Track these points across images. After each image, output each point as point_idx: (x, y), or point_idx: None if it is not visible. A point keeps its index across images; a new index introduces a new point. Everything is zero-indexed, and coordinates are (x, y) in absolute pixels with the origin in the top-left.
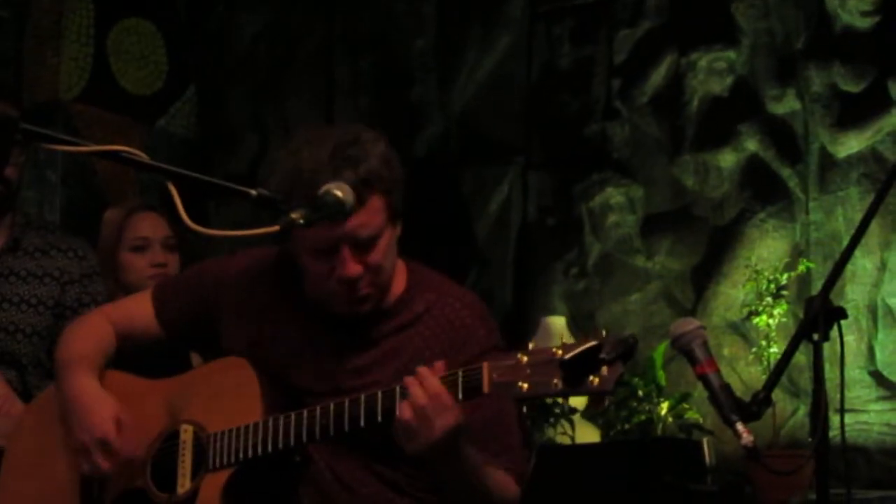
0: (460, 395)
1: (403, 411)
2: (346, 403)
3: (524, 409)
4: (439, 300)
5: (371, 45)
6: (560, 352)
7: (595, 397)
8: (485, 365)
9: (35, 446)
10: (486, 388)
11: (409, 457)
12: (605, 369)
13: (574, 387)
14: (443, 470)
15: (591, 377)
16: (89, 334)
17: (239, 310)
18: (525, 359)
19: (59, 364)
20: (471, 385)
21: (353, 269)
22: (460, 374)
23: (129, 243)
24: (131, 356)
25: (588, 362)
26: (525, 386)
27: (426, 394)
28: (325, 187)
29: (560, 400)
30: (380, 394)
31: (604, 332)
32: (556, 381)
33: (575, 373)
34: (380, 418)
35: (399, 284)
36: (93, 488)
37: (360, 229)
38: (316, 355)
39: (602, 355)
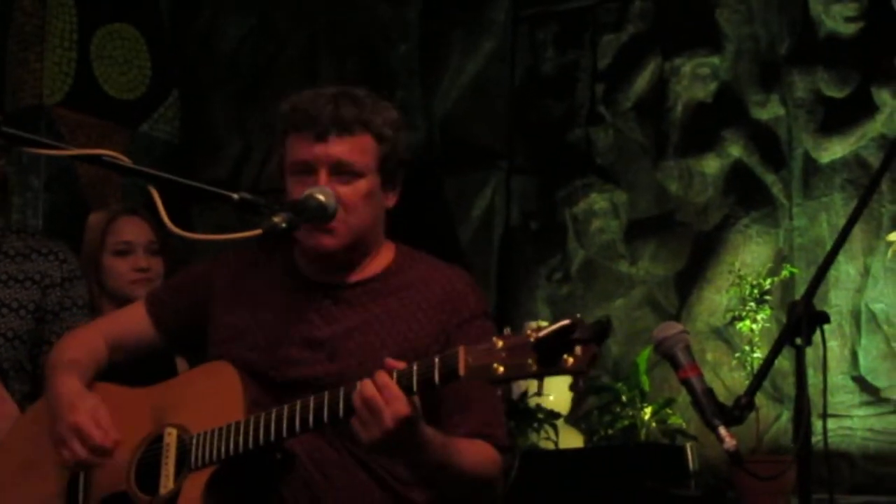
0: (437, 380)
1: (355, 400)
2: (326, 397)
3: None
4: (430, 269)
5: (354, 49)
6: (534, 334)
7: (571, 376)
8: (461, 349)
9: (23, 455)
10: (461, 372)
11: (369, 450)
12: (578, 349)
13: (548, 367)
14: (407, 458)
15: (565, 356)
16: (81, 345)
17: (230, 300)
18: (500, 343)
19: (48, 370)
20: (447, 369)
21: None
22: (436, 359)
23: (112, 247)
24: (123, 365)
25: (562, 342)
26: (501, 369)
27: (374, 385)
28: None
29: (535, 398)
30: (342, 390)
31: (578, 315)
32: (530, 361)
33: (549, 353)
34: (341, 414)
35: (387, 257)
36: (77, 493)
37: (342, 154)
38: (309, 325)
39: (576, 335)
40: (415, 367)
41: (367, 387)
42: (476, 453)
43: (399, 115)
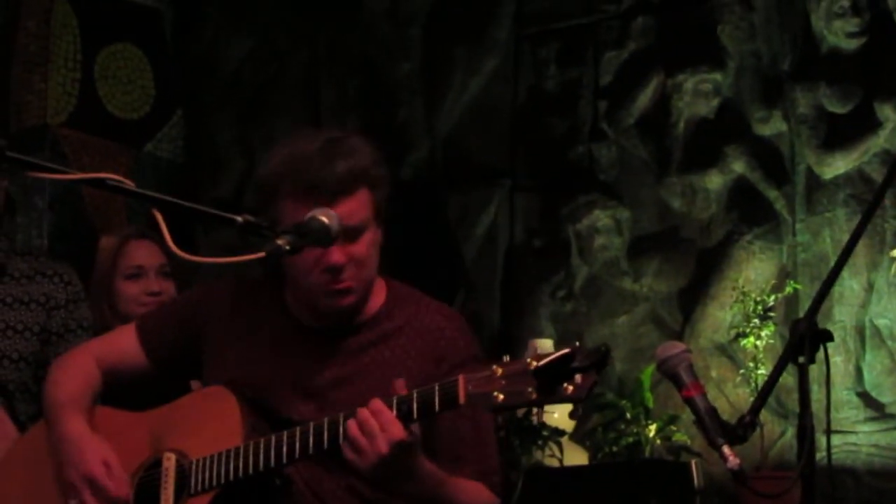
0: (437, 408)
1: (349, 428)
2: (325, 423)
3: (499, 418)
4: (419, 312)
5: (357, 67)
6: (534, 362)
7: (571, 405)
8: (460, 377)
9: (22, 480)
10: (461, 399)
11: (365, 479)
12: (578, 377)
13: (548, 395)
14: (405, 489)
15: (564, 385)
16: (77, 374)
17: (222, 334)
18: (500, 371)
19: (50, 406)
20: (447, 397)
21: (339, 256)
22: (437, 387)
23: (124, 271)
24: (124, 388)
25: (561, 371)
26: (500, 396)
27: (369, 410)
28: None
29: (534, 418)
30: (341, 415)
31: (577, 343)
32: (529, 389)
33: (548, 381)
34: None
35: (379, 298)
36: None
37: (348, 217)
38: (299, 371)
39: (575, 364)
40: (414, 395)
41: (362, 412)
42: (474, 494)
43: (375, 148)
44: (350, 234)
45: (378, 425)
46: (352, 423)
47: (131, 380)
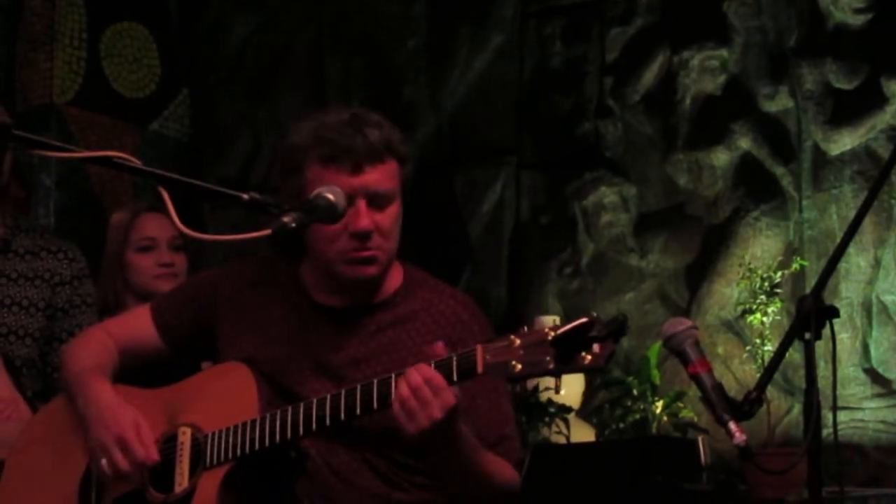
0: (455, 377)
1: (401, 391)
2: (342, 394)
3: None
4: (435, 297)
5: (362, 46)
6: (552, 332)
7: (588, 374)
8: (478, 347)
9: (38, 455)
10: (479, 369)
11: (409, 443)
12: (596, 346)
13: (566, 364)
14: (444, 453)
15: (582, 354)
16: (96, 347)
17: (236, 316)
18: (518, 341)
19: (71, 376)
20: (465, 366)
21: (367, 221)
22: (455, 356)
23: (136, 244)
24: (138, 369)
25: (579, 340)
26: (518, 366)
27: (420, 374)
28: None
29: (553, 395)
30: (376, 381)
31: (594, 313)
32: (548, 359)
33: (566, 351)
34: (376, 405)
35: (395, 280)
36: (90, 493)
37: (378, 183)
38: (315, 351)
39: (593, 333)
40: (432, 365)
41: (413, 377)
42: (501, 470)
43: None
44: (378, 201)
45: (431, 391)
46: (404, 388)
47: (145, 360)
